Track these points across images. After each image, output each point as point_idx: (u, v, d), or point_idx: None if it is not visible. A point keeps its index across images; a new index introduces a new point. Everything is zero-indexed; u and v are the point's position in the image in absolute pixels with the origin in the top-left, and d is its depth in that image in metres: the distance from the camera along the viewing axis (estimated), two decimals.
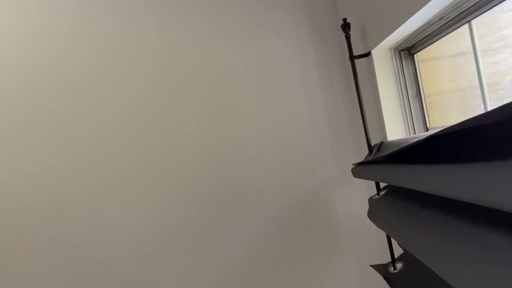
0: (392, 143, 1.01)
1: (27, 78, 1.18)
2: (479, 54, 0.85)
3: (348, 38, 1.14)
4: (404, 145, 0.68)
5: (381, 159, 0.90)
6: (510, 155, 0.39)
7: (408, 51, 1.15)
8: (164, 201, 1.26)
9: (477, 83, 0.86)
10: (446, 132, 0.50)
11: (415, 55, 1.14)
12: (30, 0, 1.19)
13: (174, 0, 1.31)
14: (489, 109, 0.84)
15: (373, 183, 1.24)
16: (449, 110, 1.05)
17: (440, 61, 1.07)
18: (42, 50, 1.19)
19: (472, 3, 0.78)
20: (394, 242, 1.04)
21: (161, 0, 1.29)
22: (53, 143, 1.19)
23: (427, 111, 1.14)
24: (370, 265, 1.12)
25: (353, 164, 1.18)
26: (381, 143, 1.10)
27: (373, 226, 1.38)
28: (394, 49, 1.15)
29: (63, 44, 1.21)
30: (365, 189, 1.43)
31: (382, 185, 1.12)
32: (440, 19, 0.88)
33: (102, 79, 1.24)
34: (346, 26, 1.13)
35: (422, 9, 0.82)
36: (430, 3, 0.79)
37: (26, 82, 1.18)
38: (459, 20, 0.85)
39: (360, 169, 1.09)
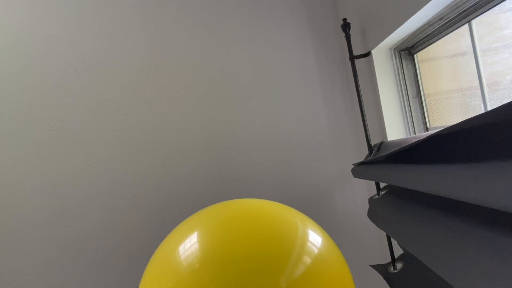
0: (392, 143, 1.01)
1: (27, 78, 1.18)
2: (479, 54, 0.85)
3: (348, 38, 1.14)
4: (404, 145, 0.68)
5: (381, 159, 0.90)
6: (510, 155, 0.39)
7: (408, 51, 1.15)
8: (164, 201, 1.26)
9: (477, 83, 0.86)
10: (446, 132, 0.50)
11: (415, 55, 1.14)
12: (30, 0, 1.19)
13: (174, 1, 1.31)
14: (489, 109, 0.84)
15: (373, 183, 1.24)
16: (449, 110, 1.05)
17: (440, 61, 1.07)
18: (42, 50, 1.19)
19: (472, 3, 0.78)
20: (394, 242, 1.04)
21: (162, 1, 1.29)
22: (53, 143, 1.19)
23: (427, 111, 1.14)
24: (370, 265, 1.12)
25: (353, 164, 1.18)
26: (381, 143, 1.10)
27: (373, 226, 1.38)
28: (394, 49, 1.15)
29: (63, 44, 1.21)
30: (365, 189, 1.43)
31: (382, 185, 1.12)
32: (440, 19, 0.88)
33: (102, 79, 1.24)
34: (346, 26, 1.13)
35: (422, 9, 0.82)
36: (430, 3, 0.79)
37: (26, 82, 1.18)
38: (459, 20, 0.85)
39: (360, 169, 1.09)
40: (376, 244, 1.42)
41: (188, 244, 0.58)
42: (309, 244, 0.59)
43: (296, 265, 0.54)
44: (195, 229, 0.61)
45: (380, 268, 1.03)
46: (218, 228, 0.59)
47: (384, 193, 1.03)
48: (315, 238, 0.61)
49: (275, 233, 0.58)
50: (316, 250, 0.59)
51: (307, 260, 0.56)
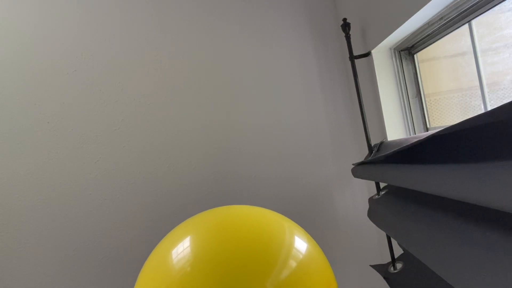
0: (392, 143, 1.01)
1: (27, 78, 1.18)
2: (479, 54, 0.85)
3: (348, 38, 1.14)
4: (404, 145, 0.68)
5: (381, 159, 0.90)
6: (510, 155, 0.39)
7: (408, 51, 1.15)
8: (164, 201, 1.26)
9: (477, 83, 0.86)
10: (446, 132, 0.50)
11: (415, 55, 1.14)
12: (31, 1, 1.19)
13: (174, 1, 1.31)
14: (489, 109, 0.84)
15: (373, 183, 1.24)
16: (449, 110, 1.05)
17: (440, 61, 1.07)
18: (42, 50, 1.19)
19: (472, 3, 0.78)
20: (394, 242, 1.04)
21: (162, 1, 1.29)
22: (53, 143, 1.19)
23: (427, 111, 1.14)
24: (370, 265, 1.12)
25: (353, 164, 1.18)
26: (381, 143, 1.10)
27: (373, 226, 1.38)
28: (394, 49, 1.15)
29: (63, 44, 1.21)
30: (365, 189, 1.43)
31: (382, 185, 1.12)
32: (440, 19, 0.88)
33: (102, 79, 1.24)
34: (346, 26, 1.13)
35: (422, 9, 0.82)
36: (430, 3, 0.79)
37: (26, 82, 1.18)
38: (459, 20, 0.85)
39: (360, 169, 1.09)
40: (376, 244, 1.42)
41: (180, 249, 0.61)
42: (294, 250, 0.63)
43: (282, 269, 0.58)
44: (187, 235, 0.64)
45: (380, 268, 1.03)
46: (209, 234, 0.62)
47: (384, 193, 1.03)
48: (300, 244, 0.65)
49: (263, 239, 0.62)
50: (300, 255, 0.63)
51: (292, 264, 0.60)
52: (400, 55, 1.16)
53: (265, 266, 0.57)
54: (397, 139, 1.01)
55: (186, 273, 0.56)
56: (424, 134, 0.88)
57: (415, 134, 1.16)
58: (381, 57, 1.16)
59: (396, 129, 1.17)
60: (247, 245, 0.60)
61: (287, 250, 0.61)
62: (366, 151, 1.29)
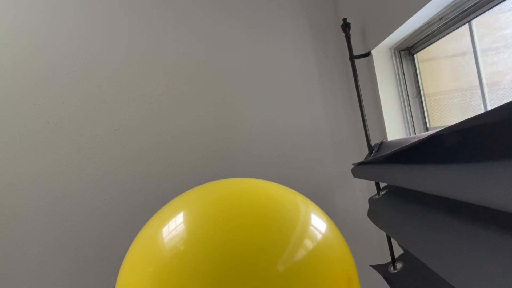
0: (392, 143, 1.01)
1: (27, 78, 1.18)
2: (479, 54, 0.85)
3: (348, 38, 1.14)
4: (404, 145, 0.68)
5: (381, 159, 0.90)
6: (510, 155, 0.39)
7: (408, 51, 1.15)
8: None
9: (477, 83, 0.86)
10: (446, 132, 0.50)
11: (415, 55, 1.14)
12: (31, 0, 1.19)
13: (174, 1, 1.31)
14: (489, 109, 0.84)
15: (373, 183, 1.24)
16: (449, 110, 1.05)
17: (440, 61, 1.07)
18: (42, 50, 1.19)
19: (472, 3, 0.78)
20: (394, 242, 1.04)
21: (162, 1, 1.29)
22: (53, 143, 1.19)
23: (427, 111, 1.14)
24: (370, 265, 1.12)
25: (353, 164, 1.18)
26: (381, 143, 1.10)
27: (373, 226, 1.38)
28: (394, 49, 1.15)
29: (63, 44, 1.21)
30: (365, 189, 1.43)
31: (382, 185, 1.12)
32: (440, 19, 0.88)
33: (102, 79, 1.24)
34: (346, 26, 1.13)
35: (422, 9, 0.82)
36: (430, 3, 0.79)
37: (27, 82, 1.18)
38: (459, 20, 0.85)
39: (360, 169, 1.09)
40: (376, 244, 1.42)
41: (173, 225, 0.52)
42: (310, 228, 0.54)
43: (296, 249, 0.50)
44: (182, 209, 0.55)
45: (380, 268, 1.03)
46: (207, 208, 0.53)
47: (384, 193, 1.03)
48: (319, 223, 0.56)
49: (271, 213, 0.53)
50: (318, 235, 0.54)
51: (308, 244, 0.51)
52: (400, 55, 1.16)
53: (275, 244, 0.48)
54: (397, 139, 1.01)
55: (178, 252, 0.48)
56: (424, 134, 0.88)
57: (415, 134, 1.16)
58: (381, 57, 1.16)
59: (396, 129, 1.17)
60: (254, 220, 0.51)
61: (302, 228, 0.52)
62: (366, 151, 1.29)
